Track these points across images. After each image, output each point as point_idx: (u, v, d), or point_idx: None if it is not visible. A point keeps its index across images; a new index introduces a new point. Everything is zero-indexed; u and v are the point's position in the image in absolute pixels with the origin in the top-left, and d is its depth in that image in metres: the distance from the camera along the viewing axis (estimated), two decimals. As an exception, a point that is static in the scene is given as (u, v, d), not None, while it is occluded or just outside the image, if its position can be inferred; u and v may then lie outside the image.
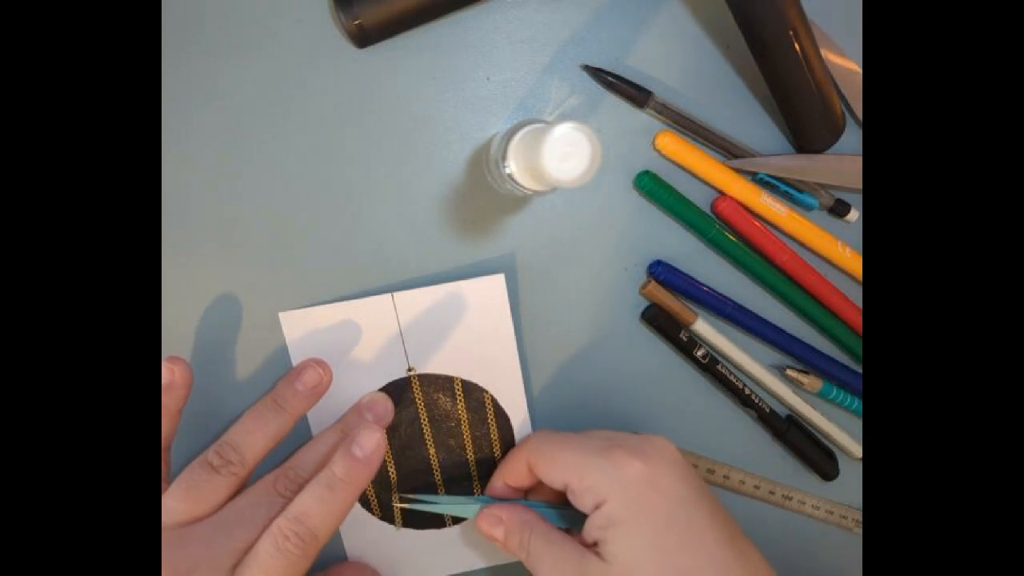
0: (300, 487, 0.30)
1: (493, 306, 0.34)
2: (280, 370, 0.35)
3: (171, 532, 0.28)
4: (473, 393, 0.36)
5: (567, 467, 0.30)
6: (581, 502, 0.29)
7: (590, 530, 0.29)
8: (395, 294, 0.34)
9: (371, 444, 0.30)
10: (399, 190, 0.34)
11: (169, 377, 0.30)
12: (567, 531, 0.31)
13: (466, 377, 0.35)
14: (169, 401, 0.30)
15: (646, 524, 0.28)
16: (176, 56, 0.32)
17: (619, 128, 0.34)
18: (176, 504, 0.29)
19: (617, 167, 0.35)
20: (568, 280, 0.36)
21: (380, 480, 0.36)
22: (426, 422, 0.36)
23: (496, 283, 0.34)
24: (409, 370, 0.35)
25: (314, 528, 0.28)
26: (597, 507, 0.29)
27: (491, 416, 0.36)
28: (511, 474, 0.33)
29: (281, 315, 0.34)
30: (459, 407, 0.36)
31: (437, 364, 0.35)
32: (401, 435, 0.36)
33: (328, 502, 0.29)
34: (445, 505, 0.35)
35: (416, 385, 0.35)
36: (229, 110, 0.32)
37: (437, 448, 0.36)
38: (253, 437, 0.31)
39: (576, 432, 0.32)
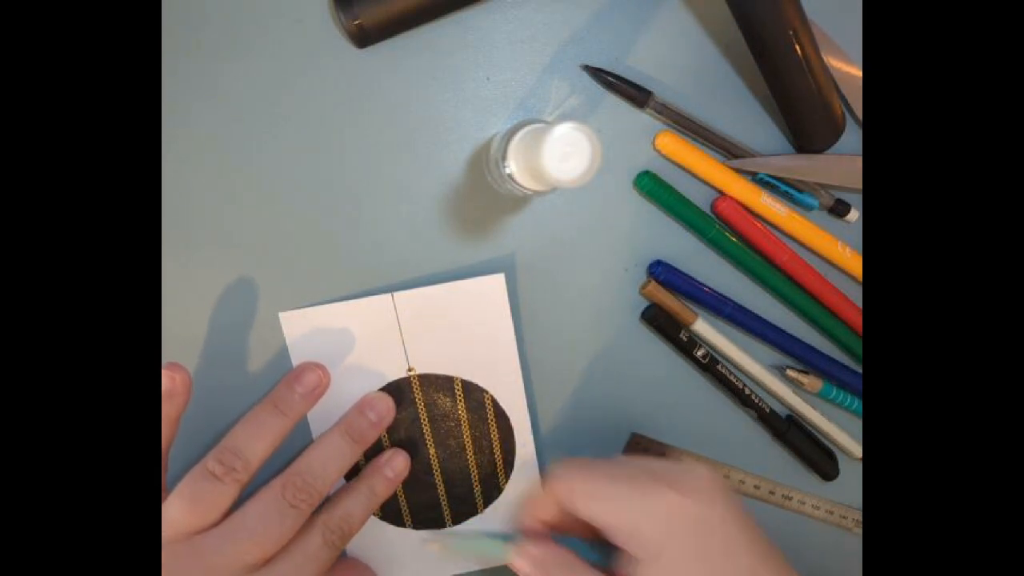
0: (311, 495, 0.31)
1: (493, 305, 0.34)
2: (281, 370, 0.35)
3: (180, 544, 0.28)
4: (473, 393, 0.36)
5: (602, 503, 0.28)
6: (617, 538, 0.28)
7: (626, 564, 0.28)
8: (395, 294, 0.34)
9: (402, 467, 0.35)
10: (399, 190, 0.34)
11: (170, 384, 0.30)
12: (601, 564, 0.30)
13: (466, 377, 0.35)
14: (169, 408, 0.30)
15: (683, 558, 0.27)
16: (176, 56, 0.32)
17: (619, 128, 0.34)
18: (182, 516, 0.29)
19: (617, 167, 0.35)
20: (568, 280, 0.36)
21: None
22: (426, 422, 0.36)
23: (496, 282, 0.34)
24: (409, 370, 0.35)
25: (352, 531, 0.32)
26: (633, 541, 0.27)
27: (491, 416, 0.36)
28: (541, 509, 0.31)
29: (281, 315, 0.34)
30: (459, 407, 0.36)
31: (437, 364, 0.35)
32: (401, 435, 0.36)
33: (367, 511, 0.33)
34: (474, 542, 0.33)
35: (416, 385, 0.35)
36: (229, 110, 0.32)
37: (437, 448, 0.36)
38: (254, 441, 0.31)
39: (607, 460, 0.30)
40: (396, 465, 0.34)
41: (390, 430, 0.35)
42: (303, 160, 0.33)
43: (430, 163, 0.34)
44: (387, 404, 0.34)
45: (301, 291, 0.34)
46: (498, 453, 0.36)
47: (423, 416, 0.36)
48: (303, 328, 0.34)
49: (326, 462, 0.32)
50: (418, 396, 0.35)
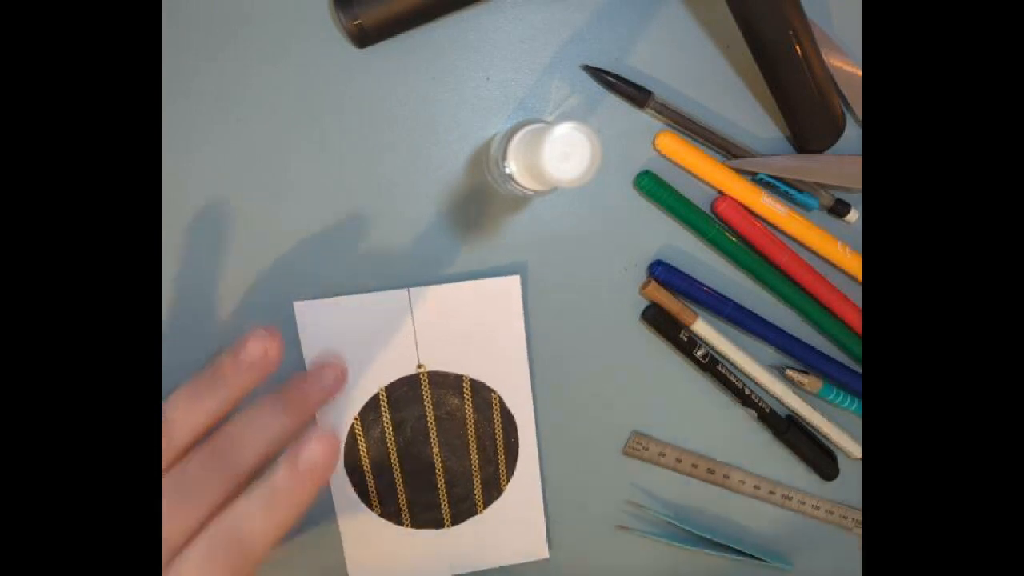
0: (220, 463, 0.26)
1: (507, 307, 0.35)
2: (292, 359, 0.34)
3: None
4: (481, 392, 0.36)
5: None
6: None
7: None
8: (411, 289, 0.34)
9: (317, 456, 0.26)
10: (398, 190, 0.34)
11: (260, 353, 0.27)
12: None
13: (475, 376, 0.35)
14: (250, 380, 0.27)
15: None
16: (176, 56, 0.32)
17: (619, 128, 0.34)
18: None
19: (617, 167, 0.35)
20: (568, 280, 0.36)
21: (382, 476, 0.36)
22: (432, 420, 0.36)
23: (511, 284, 0.34)
24: (419, 366, 0.35)
25: (251, 544, 0.25)
26: None
27: (497, 416, 0.36)
28: None
29: (296, 304, 0.34)
30: (466, 406, 0.36)
31: (447, 362, 0.35)
32: (406, 432, 0.36)
33: (268, 518, 0.25)
34: None
35: (425, 382, 0.35)
36: (228, 110, 0.33)
37: (441, 447, 0.36)
38: (181, 415, 0.26)
39: None
40: (310, 455, 0.26)
41: (395, 429, 0.35)
42: (302, 160, 0.33)
43: (430, 163, 0.34)
44: (335, 372, 0.32)
45: (311, 284, 0.34)
46: (501, 454, 0.37)
47: (430, 414, 0.36)
48: (316, 318, 0.34)
49: (244, 428, 0.27)
50: (426, 393, 0.35)
